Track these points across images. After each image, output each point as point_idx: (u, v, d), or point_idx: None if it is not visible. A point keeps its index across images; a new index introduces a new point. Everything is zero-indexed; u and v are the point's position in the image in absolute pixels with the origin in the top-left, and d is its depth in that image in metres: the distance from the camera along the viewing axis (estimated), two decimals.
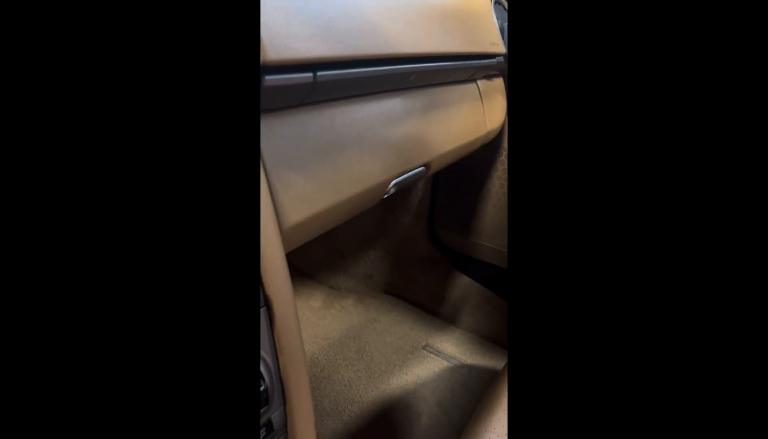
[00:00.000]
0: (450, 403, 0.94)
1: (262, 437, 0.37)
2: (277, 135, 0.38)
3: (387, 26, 0.46)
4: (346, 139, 0.46)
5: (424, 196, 1.14)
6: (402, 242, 1.23)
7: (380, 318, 1.21)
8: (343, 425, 0.89)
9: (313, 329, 1.16)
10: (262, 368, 0.36)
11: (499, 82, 0.84)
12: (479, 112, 0.75)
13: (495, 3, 0.75)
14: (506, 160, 0.96)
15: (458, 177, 1.04)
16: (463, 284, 1.14)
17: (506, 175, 0.97)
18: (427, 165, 0.62)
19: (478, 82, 0.76)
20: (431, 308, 1.23)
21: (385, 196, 0.58)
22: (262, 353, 0.36)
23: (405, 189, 1.13)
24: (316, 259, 1.37)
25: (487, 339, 1.12)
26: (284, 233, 0.39)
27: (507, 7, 0.81)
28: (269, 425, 0.38)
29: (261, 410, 0.36)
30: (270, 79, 0.33)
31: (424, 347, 1.11)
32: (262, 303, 0.37)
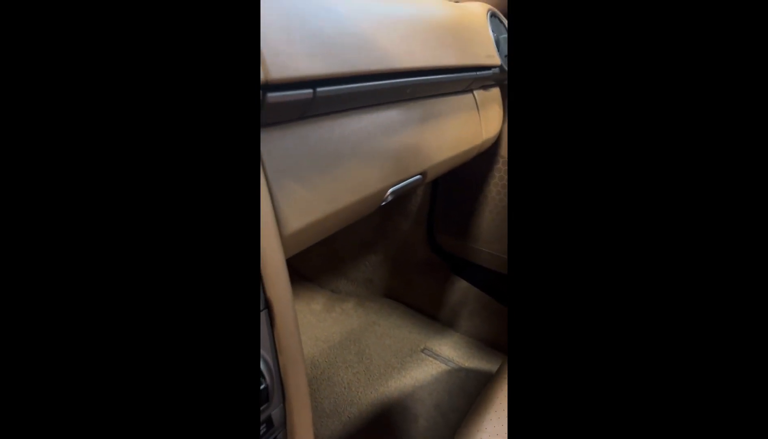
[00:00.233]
0: (447, 405, 0.96)
1: (262, 433, 0.39)
2: (279, 147, 0.41)
3: (383, 42, 0.48)
4: (344, 150, 0.48)
5: (423, 202, 1.16)
6: (401, 247, 1.25)
7: (380, 322, 1.22)
8: (342, 426, 0.91)
9: (314, 332, 1.18)
10: (263, 367, 0.38)
11: (495, 92, 0.86)
12: (475, 122, 0.77)
13: (491, 16, 0.77)
14: (503, 168, 0.98)
15: (456, 184, 1.07)
16: (461, 289, 1.16)
17: (503, 182, 0.99)
18: (423, 173, 0.64)
19: (475, 92, 0.78)
20: (430, 312, 1.24)
21: (383, 203, 0.60)
22: (263, 352, 0.39)
23: (404, 195, 1.15)
24: (318, 263, 1.39)
25: (485, 343, 1.14)
26: (285, 240, 0.41)
27: (504, 20, 0.83)
28: (269, 421, 0.40)
29: (261, 408, 0.38)
30: (272, 96, 0.35)
31: (422, 351, 1.12)
32: (263, 306, 0.39)
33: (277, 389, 0.40)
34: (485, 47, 0.72)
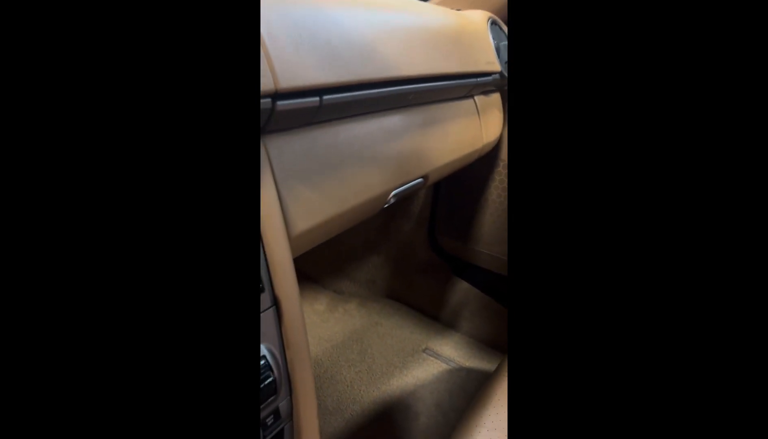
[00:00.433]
0: (448, 404, 0.98)
1: (270, 424, 0.41)
2: (287, 152, 0.43)
3: (386, 51, 0.50)
4: (348, 154, 0.50)
5: (425, 204, 1.18)
6: (403, 249, 1.27)
7: (382, 322, 1.24)
8: (345, 424, 0.93)
9: (318, 332, 1.20)
10: (271, 362, 0.40)
11: (495, 98, 0.88)
12: (476, 127, 0.79)
13: (492, 24, 0.79)
14: (503, 171, 1.00)
15: (458, 187, 1.09)
16: (462, 290, 1.18)
17: (503, 186, 1.01)
18: (425, 177, 0.66)
19: (476, 97, 0.80)
20: (431, 313, 1.26)
21: (386, 205, 0.62)
22: (271, 347, 0.41)
23: (407, 198, 1.17)
24: (322, 264, 1.41)
25: (485, 343, 1.16)
26: (292, 240, 0.43)
27: (505, 28, 0.85)
28: (277, 413, 0.42)
29: (269, 399, 0.40)
30: (281, 104, 0.38)
31: (424, 350, 1.14)
32: (271, 303, 0.41)
33: (284, 382, 0.42)
34: (486, 54, 0.74)
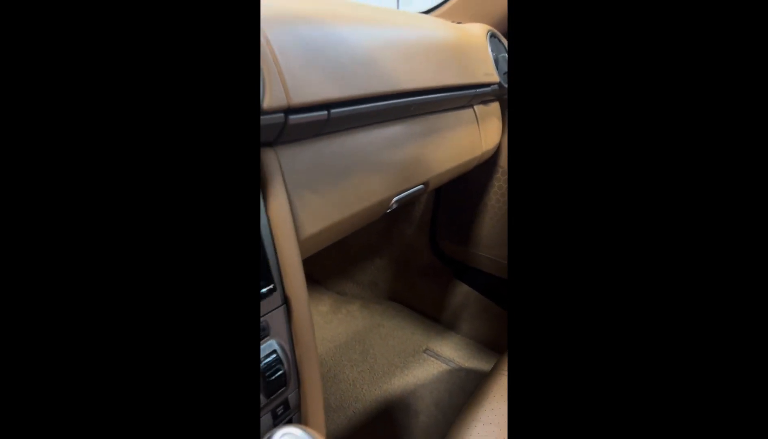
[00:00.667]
0: (447, 403, 1.01)
1: (279, 413, 0.44)
2: (297, 161, 0.46)
3: (390, 66, 0.54)
4: (353, 163, 0.54)
5: (426, 209, 1.21)
6: (405, 252, 1.30)
7: (384, 323, 1.27)
8: (347, 421, 0.96)
9: (321, 332, 1.23)
10: (281, 356, 0.43)
11: (494, 107, 0.92)
12: (475, 135, 0.82)
13: (491, 37, 0.83)
14: (502, 178, 1.03)
15: (458, 192, 1.12)
16: (462, 293, 1.21)
17: (502, 191, 1.04)
18: (425, 183, 0.69)
19: (475, 107, 0.83)
20: (432, 315, 1.29)
21: (388, 210, 0.65)
22: (281, 343, 0.44)
23: (409, 203, 1.20)
24: (325, 266, 1.44)
25: (484, 345, 1.18)
26: (301, 243, 0.46)
27: (503, 40, 0.88)
28: (286, 403, 0.45)
29: (279, 391, 0.43)
30: (293, 118, 0.41)
31: (424, 351, 1.17)
32: (281, 301, 0.44)
33: (293, 375, 0.45)
34: (485, 66, 0.78)
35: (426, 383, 1.06)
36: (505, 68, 0.83)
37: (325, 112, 0.45)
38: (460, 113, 0.78)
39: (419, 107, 0.63)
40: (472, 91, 0.74)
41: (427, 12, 0.97)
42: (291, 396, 0.45)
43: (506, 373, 0.64)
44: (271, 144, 0.43)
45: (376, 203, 0.58)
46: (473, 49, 0.76)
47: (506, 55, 0.85)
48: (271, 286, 0.42)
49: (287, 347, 0.44)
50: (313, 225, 0.48)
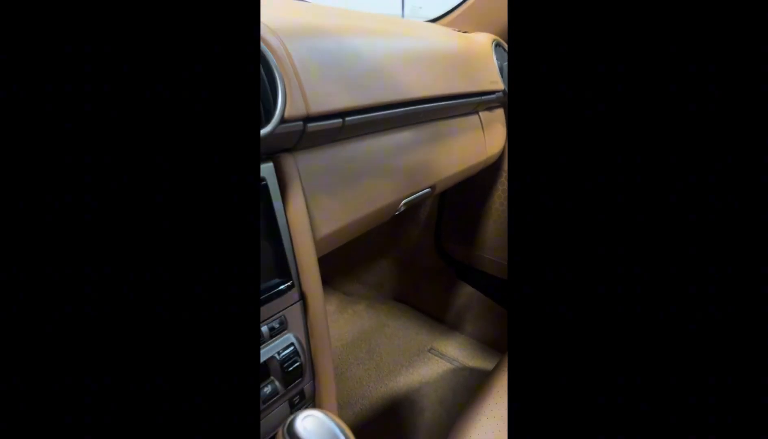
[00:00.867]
0: (451, 401, 1.03)
1: (296, 402, 0.47)
2: (313, 166, 0.49)
3: (400, 75, 0.57)
4: (365, 167, 0.57)
5: (431, 212, 1.24)
6: (411, 254, 1.33)
7: (389, 323, 1.30)
8: (354, 417, 0.98)
9: None
10: (298, 348, 0.46)
11: (499, 113, 0.94)
12: (480, 140, 0.85)
13: (496, 46, 0.86)
14: (506, 181, 1.05)
15: (463, 195, 1.14)
16: (466, 293, 1.23)
17: (506, 195, 1.06)
18: (432, 187, 0.72)
19: (480, 113, 0.86)
20: (437, 315, 1.32)
21: (397, 213, 0.68)
22: (298, 336, 0.47)
23: (414, 206, 1.23)
24: (332, 266, 1.47)
25: (487, 344, 1.21)
26: (316, 243, 0.49)
27: (507, 50, 0.91)
28: (302, 393, 0.48)
29: (296, 381, 0.46)
30: (311, 126, 0.44)
31: (429, 350, 1.20)
32: (299, 297, 0.47)
33: (308, 367, 0.48)
34: (490, 74, 0.80)
35: (431, 381, 1.09)
36: None
37: (340, 120, 0.47)
38: (465, 119, 0.81)
39: (427, 114, 0.66)
40: (478, 98, 0.77)
41: (434, 21, 1.00)
42: (306, 387, 0.48)
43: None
44: (289, 150, 0.46)
45: (386, 206, 0.61)
46: (479, 57, 0.79)
47: None
48: (289, 282, 0.45)
49: (303, 341, 0.47)
50: (327, 226, 0.51)
